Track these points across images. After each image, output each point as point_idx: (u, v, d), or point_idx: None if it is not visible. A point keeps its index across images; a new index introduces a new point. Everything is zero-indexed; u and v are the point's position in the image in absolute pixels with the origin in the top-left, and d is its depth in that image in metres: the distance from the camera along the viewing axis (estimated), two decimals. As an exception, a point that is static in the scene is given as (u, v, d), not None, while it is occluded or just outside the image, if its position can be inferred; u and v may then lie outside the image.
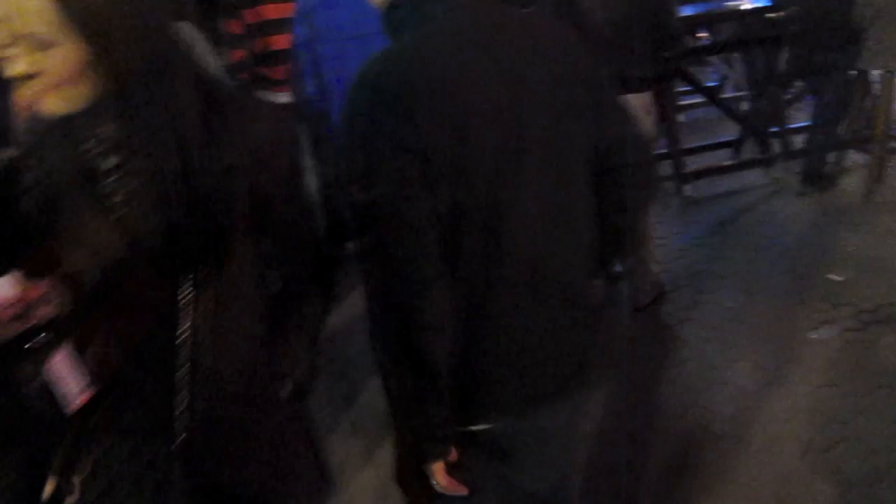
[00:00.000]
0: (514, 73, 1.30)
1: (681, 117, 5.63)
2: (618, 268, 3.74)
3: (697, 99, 5.92)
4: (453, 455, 1.36)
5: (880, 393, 2.92)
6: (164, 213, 1.00)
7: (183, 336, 1.05)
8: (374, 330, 1.38)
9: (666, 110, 4.40)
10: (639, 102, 3.29)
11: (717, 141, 5.43)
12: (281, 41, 3.20)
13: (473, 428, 1.43)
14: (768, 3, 4.92)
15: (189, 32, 2.46)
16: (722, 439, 2.77)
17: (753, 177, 5.15)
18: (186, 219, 1.01)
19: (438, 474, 1.36)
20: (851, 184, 4.81)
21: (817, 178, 4.78)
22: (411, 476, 1.46)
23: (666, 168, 4.76)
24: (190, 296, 1.04)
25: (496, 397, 1.42)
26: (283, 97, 2.86)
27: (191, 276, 1.04)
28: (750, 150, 5.36)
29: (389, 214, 1.23)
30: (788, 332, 3.38)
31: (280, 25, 3.17)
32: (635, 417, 2.90)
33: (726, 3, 5.28)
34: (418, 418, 1.32)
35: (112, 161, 1.01)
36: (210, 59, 2.53)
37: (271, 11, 3.23)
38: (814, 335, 3.34)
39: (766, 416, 2.86)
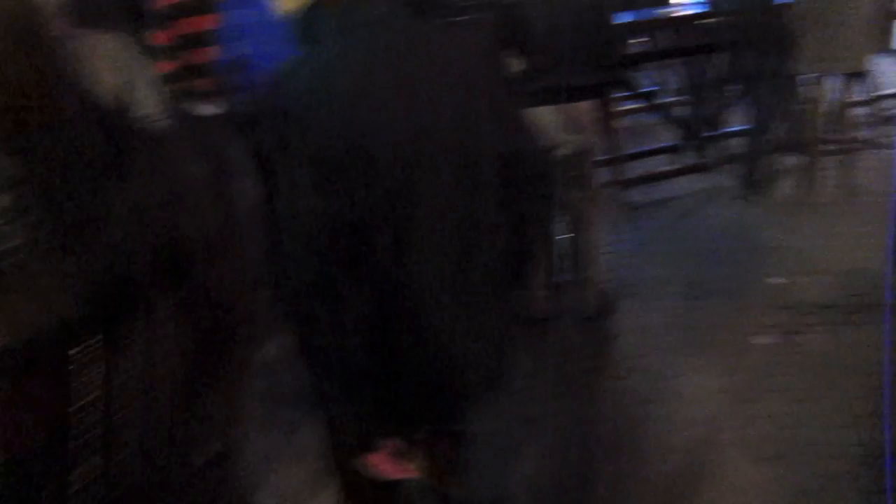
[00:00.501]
0: (416, 87, 1.33)
1: (620, 123, 5.64)
2: (563, 278, 3.72)
3: (635, 104, 5.97)
4: (393, 444, 1.43)
5: (827, 398, 2.93)
6: (67, 263, 0.89)
7: (89, 400, 0.94)
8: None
9: (607, 117, 4.41)
10: (583, 111, 3.27)
11: (657, 146, 5.48)
12: (210, 53, 3.12)
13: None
14: (704, 10, 4.97)
15: (117, 45, 2.36)
16: (673, 451, 2.75)
17: (693, 181, 5.20)
18: (91, 271, 0.90)
19: (378, 463, 1.42)
20: (787, 187, 4.89)
21: (755, 182, 4.85)
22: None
23: (608, 174, 4.76)
24: (98, 357, 0.93)
25: (414, 403, 1.45)
26: (212, 109, 2.80)
27: (99, 335, 0.92)
28: (689, 155, 5.41)
29: (285, 220, 1.28)
30: (733, 338, 3.39)
31: (210, 37, 3.10)
32: (584, 432, 2.87)
33: (663, 10, 5.32)
34: (341, 415, 1.40)
35: (5, 200, 0.89)
36: (145, 73, 2.42)
37: (201, 23, 3.14)
38: (758, 340, 3.36)
39: (716, 426, 2.84)
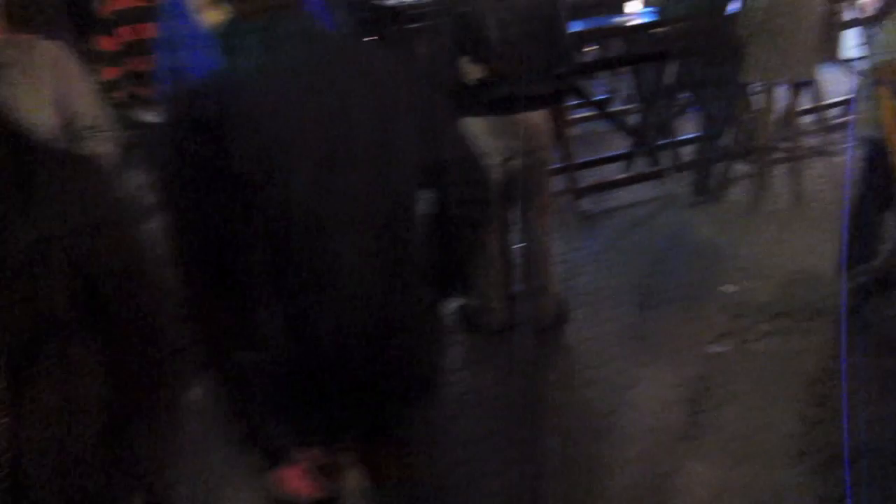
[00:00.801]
0: (333, 102, 1.35)
1: (573, 132, 5.63)
2: (518, 288, 3.67)
3: (587, 112, 5.98)
4: (311, 459, 1.42)
5: (781, 405, 2.93)
6: None
7: None
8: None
9: (560, 126, 4.39)
10: (538, 120, 3.22)
11: (609, 155, 5.47)
12: (152, 61, 2.95)
13: None
14: (654, 19, 4.99)
15: (56, 52, 2.25)
16: (629, 463, 2.71)
17: (645, 189, 5.21)
18: None
19: (287, 478, 1.40)
20: (739, 194, 4.92)
21: (706, 190, 4.87)
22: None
23: (561, 183, 4.74)
24: (3, 398, 0.82)
25: (330, 413, 1.46)
26: (153, 117, 2.78)
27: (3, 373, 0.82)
28: (641, 163, 5.41)
29: (196, 232, 1.28)
30: (689, 347, 3.38)
31: (151, 45, 2.94)
32: (541, 444, 2.82)
33: (614, 19, 5.33)
34: (248, 430, 1.38)
35: None
36: (82, 79, 2.32)
37: (145, 31, 3.08)
38: (714, 349, 3.35)
39: (674, 438, 2.82)
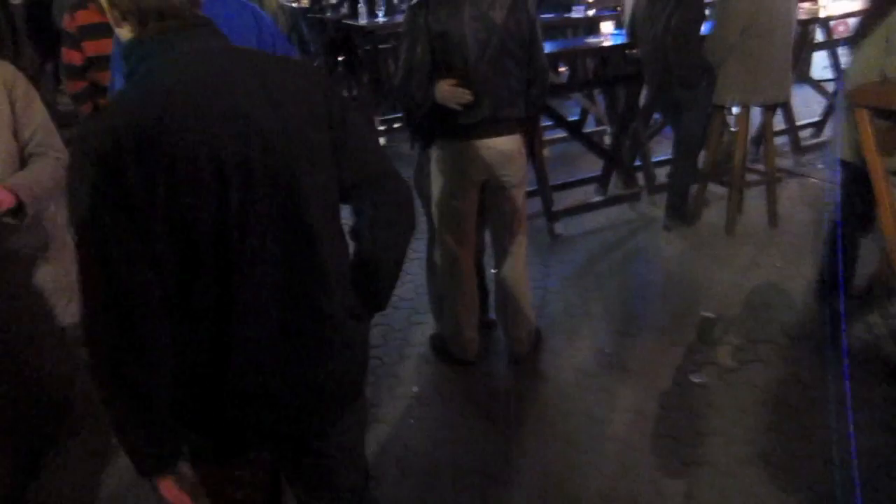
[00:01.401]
0: (242, 118, 1.33)
1: (545, 153, 5.56)
2: (491, 315, 3.53)
3: (559, 134, 5.91)
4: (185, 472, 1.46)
5: (766, 441, 2.83)
6: None
7: None
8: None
9: (534, 147, 4.30)
10: (513, 144, 3.11)
11: (582, 177, 5.40)
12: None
13: None
14: (627, 40, 4.93)
15: (6, 72, 2.15)
16: (611, 500, 2.59)
17: (619, 212, 5.13)
18: None
19: (163, 488, 1.45)
20: (714, 216, 4.86)
21: (681, 212, 4.79)
22: None
23: (534, 205, 4.65)
24: None
25: (252, 428, 1.49)
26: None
27: None
28: (614, 186, 5.35)
29: (92, 261, 1.28)
30: (668, 376, 3.27)
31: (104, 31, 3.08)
32: (516, 478, 2.69)
33: (586, 40, 5.26)
34: (130, 441, 1.40)
35: None
36: (34, 100, 2.22)
37: (107, 46, 2.93)
38: (694, 378, 3.25)
39: (654, 473, 2.70)
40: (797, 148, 5.89)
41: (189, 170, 1.28)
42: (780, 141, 5.59)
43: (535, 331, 3.49)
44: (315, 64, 7.75)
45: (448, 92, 2.93)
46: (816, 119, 6.28)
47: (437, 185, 3.21)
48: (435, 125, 3.07)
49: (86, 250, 1.28)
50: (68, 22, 3.37)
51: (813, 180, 5.35)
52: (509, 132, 3.10)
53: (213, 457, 1.56)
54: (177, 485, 1.45)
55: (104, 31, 3.06)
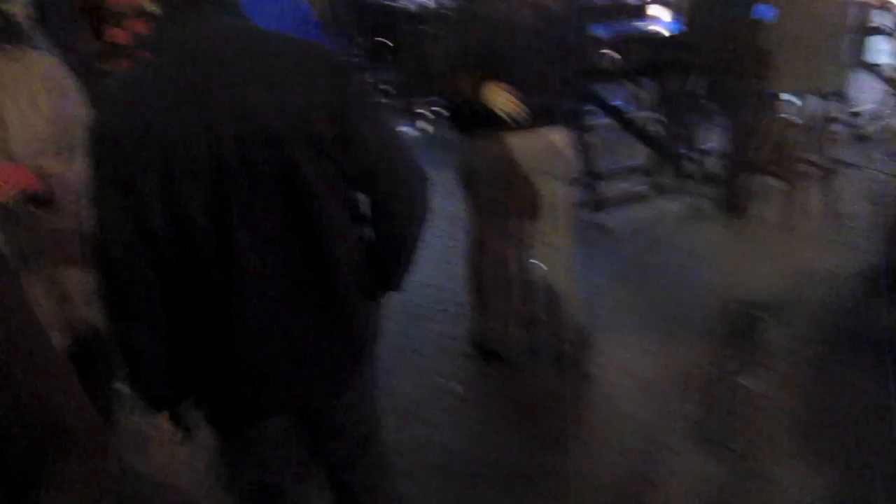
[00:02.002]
0: (238, 102, 1.36)
1: (591, 141, 5.43)
2: (535, 311, 3.42)
3: (605, 120, 5.76)
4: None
5: (819, 450, 2.71)
6: None
7: None
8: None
9: (579, 135, 4.18)
10: (559, 134, 3.02)
11: (627, 165, 5.25)
12: None
13: None
14: (679, 27, 4.77)
15: (46, 63, 2.07)
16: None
17: (667, 203, 4.99)
18: None
19: (161, 420, 1.64)
20: (766, 210, 4.69)
21: (733, 205, 4.64)
22: None
23: (578, 195, 4.53)
24: None
25: (263, 398, 1.60)
26: None
27: None
28: (663, 175, 5.20)
29: (100, 234, 1.40)
30: (717, 379, 3.16)
31: None
32: (562, 488, 2.62)
33: (636, 24, 5.10)
34: (135, 387, 1.58)
35: None
36: (76, 93, 2.12)
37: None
38: (742, 381, 3.13)
39: (709, 486, 2.60)
40: (855, 138, 5.66)
41: (184, 152, 1.33)
42: (837, 130, 5.37)
43: (581, 330, 3.40)
44: (346, 49, 7.73)
45: (499, 97, 2.82)
46: (873, 106, 6.03)
47: (480, 176, 3.13)
48: (478, 114, 2.98)
49: (92, 218, 1.40)
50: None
51: (873, 172, 5.14)
52: (556, 122, 3.00)
53: (232, 427, 1.66)
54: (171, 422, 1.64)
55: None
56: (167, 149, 1.32)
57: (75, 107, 2.05)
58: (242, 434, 1.66)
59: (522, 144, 2.96)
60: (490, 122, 2.95)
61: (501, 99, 2.81)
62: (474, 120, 3.00)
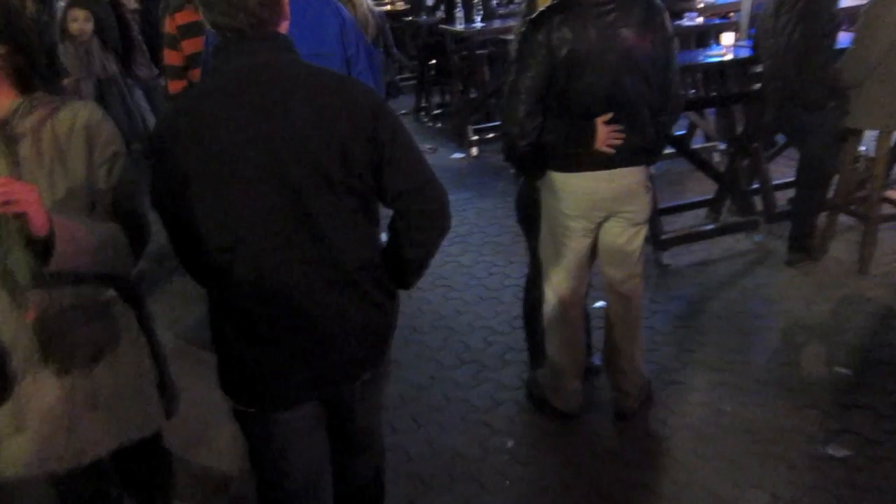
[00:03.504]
0: (286, 122, 1.56)
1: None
2: (594, 360, 3.14)
3: (667, 151, 5.48)
4: None
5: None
6: None
7: None
8: None
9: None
10: (639, 177, 2.77)
11: (690, 201, 4.96)
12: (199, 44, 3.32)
13: None
14: (748, 54, 4.49)
15: (86, 113, 1.87)
16: None
17: (734, 242, 4.67)
18: None
19: None
20: (843, 252, 4.36)
21: (806, 246, 4.32)
22: None
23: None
24: None
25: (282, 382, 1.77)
26: None
27: None
28: (728, 211, 4.89)
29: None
30: (800, 446, 2.86)
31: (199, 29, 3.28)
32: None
33: (706, 54, 4.83)
34: None
35: None
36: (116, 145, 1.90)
37: (200, 44, 3.26)
38: (830, 450, 2.82)
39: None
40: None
41: (235, 160, 1.55)
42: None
43: (646, 384, 3.12)
44: (392, 71, 7.69)
45: (607, 133, 2.61)
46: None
47: (547, 219, 2.88)
48: (546, 152, 2.73)
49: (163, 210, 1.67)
50: (168, 24, 3.51)
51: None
52: (634, 163, 2.74)
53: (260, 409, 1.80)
54: None
55: (201, 29, 3.13)
56: (197, 160, 1.56)
57: (118, 172, 1.79)
58: (269, 419, 1.81)
59: (598, 185, 2.71)
60: (562, 159, 2.72)
61: (608, 134, 2.62)
62: (541, 157, 2.75)
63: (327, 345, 1.73)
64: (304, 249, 1.64)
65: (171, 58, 3.53)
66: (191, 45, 3.45)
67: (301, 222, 1.61)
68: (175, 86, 3.57)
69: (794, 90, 4.08)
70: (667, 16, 2.70)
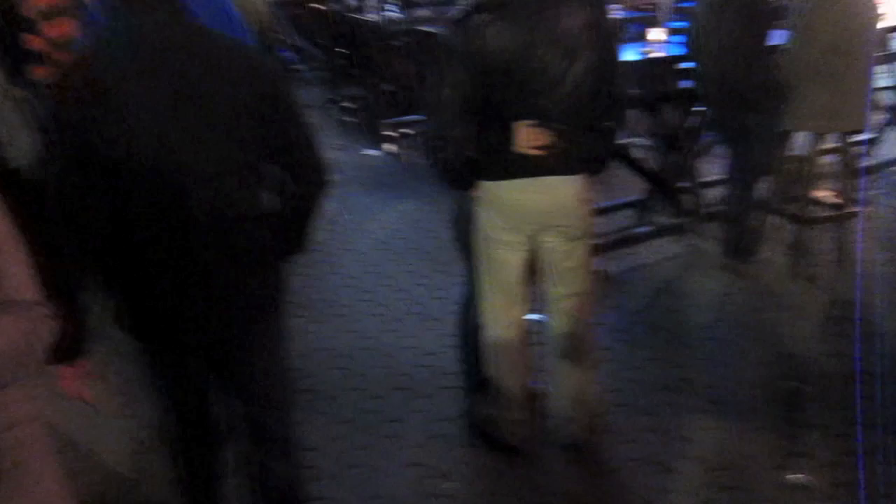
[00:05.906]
0: (180, 83, 1.71)
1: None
2: (535, 383, 2.85)
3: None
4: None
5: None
6: None
7: None
8: None
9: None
10: (577, 186, 2.51)
11: (621, 201, 4.76)
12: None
13: None
14: (681, 53, 4.33)
15: None
16: None
17: (665, 244, 4.51)
18: None
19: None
20: (775, 254, 4.25)
21: (740, 248, 4.19)
22: None
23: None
24: None
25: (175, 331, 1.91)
26: None
27: None
28: (661, 213, 4.72)
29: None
30: (759, 473, 2.69)
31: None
32: None
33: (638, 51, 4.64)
34: None
35: None
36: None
37: (69, 26, 3.07)
38: (791, 477, 2.66)
39: None
40: (871, 177, 5.25)
41: (131, 124, 1.67)
42: (851, 169, 4.95)
43: (599, 410, 2.87)
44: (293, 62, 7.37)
45: (529, 136, 2.36)
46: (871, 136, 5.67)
47: (480, 233, 2.61)
48: (478, 162, 2.46)
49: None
50: (26, 7, 3.21)
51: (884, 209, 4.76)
52: (571, 171, 2.49)
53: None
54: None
55: (64, 11, 3.06)
56: (90, 126, 1.67)
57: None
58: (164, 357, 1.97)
59: (532, 194, 2.46)
60: (494, 167, 2.45)
61: (530, 135, 2.37)
62: (472, 167, 2.48)
63: (218, 297, 1.87)
64: (203, 210, 1.77)
65: (32, 42, 3.22)
66: (52, 29, 3.16)
67: (171, 179, 1.73)
68: (39, 72, 3.27)
69: (738, 91, 3.93)
70: (606, 10, 2.47)
